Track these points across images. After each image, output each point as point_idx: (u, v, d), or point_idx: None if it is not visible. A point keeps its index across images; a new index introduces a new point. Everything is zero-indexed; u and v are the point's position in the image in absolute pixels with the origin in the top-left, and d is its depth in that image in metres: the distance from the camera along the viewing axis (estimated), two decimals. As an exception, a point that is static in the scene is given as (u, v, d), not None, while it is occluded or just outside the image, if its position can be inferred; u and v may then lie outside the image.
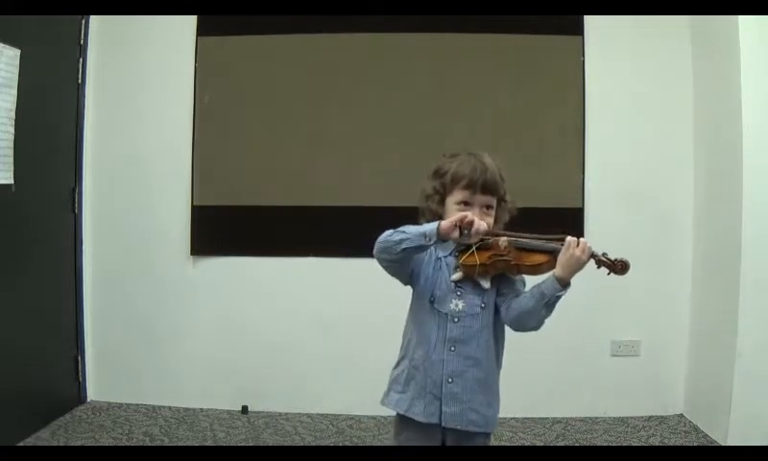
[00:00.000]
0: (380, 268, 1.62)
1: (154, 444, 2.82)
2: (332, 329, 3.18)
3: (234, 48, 3.21)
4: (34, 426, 2.82)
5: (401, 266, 1.62)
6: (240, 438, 2.91)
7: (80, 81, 3.16)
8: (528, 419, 3.11)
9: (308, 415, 3.16)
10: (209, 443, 2.85)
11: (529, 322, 1.59)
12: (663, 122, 3.18)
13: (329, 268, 3.17)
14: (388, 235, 1.57)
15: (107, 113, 3.26)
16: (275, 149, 3.20)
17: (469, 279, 1.61)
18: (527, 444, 2.88)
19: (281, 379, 3.22)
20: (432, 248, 1.63)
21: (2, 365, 2.61)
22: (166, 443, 2.83)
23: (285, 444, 2.86)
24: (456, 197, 1.62)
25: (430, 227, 1.53)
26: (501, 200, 1.67)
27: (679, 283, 3.17)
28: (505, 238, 1.58)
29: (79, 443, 2.76)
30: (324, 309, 3.19)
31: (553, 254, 1.55)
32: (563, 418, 3.13)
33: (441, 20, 3.06)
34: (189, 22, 3.19)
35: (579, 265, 1.53)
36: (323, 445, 2.86)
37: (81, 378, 3.21)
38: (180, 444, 2.82)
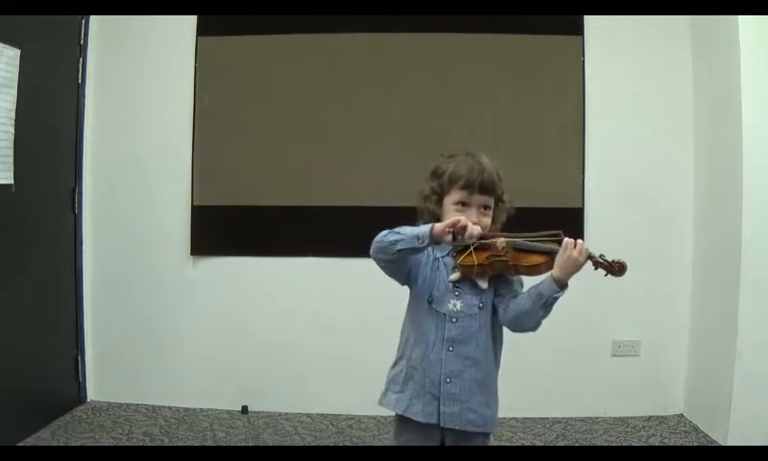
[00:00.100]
0: (379, 268, 1.62)
1: (154, 444, 2.82)
2: (332, 329, 3.18)
3: (234, 48, 3.21)
4: (34, 426, 2.82)
5: (398, 266, 1.62)
6: (240, 438, 2.91)
7: (80, 81, 3.16)
8: (528, 419, 3.11)
9: (308, 415, 3.16)
10: (209, 443, 2.85)
11: (527, 323, 1.59)
12: (663, 122, 3.18)
13: (329, 268, 3.17)
14: (383, 236, 1.57)
15: (107, 113, 3.26)
16: (275, 149, 3.20)
17: (467, 280, 1.62)
18: (527, 444, 2.88)
19: (281, 379, 3.22)
20: (430, 248, 1.63)
21: (2, 365, 2.61)
22: (166, 443, 2.83)
23: (285, 444, 2.86)
24: (454, 197, 1.62)
25: (424, 229, 1.53)
26: (499, 200, 1.67)
27: (679, 283, 3.17)
28: (503, 239, 1.58)
29: (79, 443, 2.76)
30: (324, 309, 3.19)
31: (551, 254, 1.56)
32: (563, 418, 3.13)
33: (441, 20, 3.06)
34: (189, 22, 3.19)
35: (576, 266, 1.53)
36: (323, 445, 2.86)
37: (81, 378, 3.21)
38: (180, 444, 2.82)
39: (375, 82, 3.18)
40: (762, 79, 2.69)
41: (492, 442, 2.83)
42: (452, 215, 1.56)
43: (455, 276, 1.62)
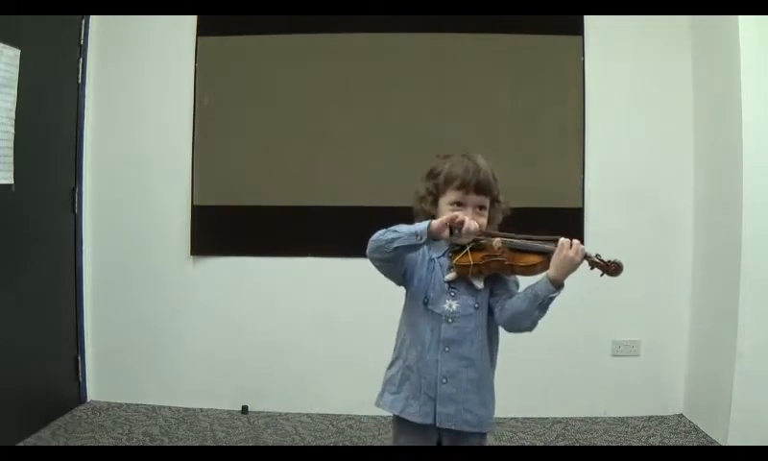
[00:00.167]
0: (375, 267, 1.62)
1: (154, 444, 2.82)
2: (332, 329, 3.18)
3: (234, 48, 3.21)
4: (34, 426, 2.82)
5: (394, 265, 1.62)
6: (240, 438, 2.91)
7: (80, 81, 3.16)
8: (528, 419, 3.11)
9: (308, 415, 3.16)
10: (209, 443, 2.85)
11: (523, 323, 1.59)
12: (663, 122, 3.17)
13: (329, 268, 3.17)
14: (380, 234, 1.57)
15: (107, 113, 3.26)
16: (275, 149, 3.20)
17: (463, 280, 1.62)
18: (527, 444, 2.88)
19: (281, 379, 3.22)
20: (425, 249, 1.63)
21: (2, 365, 2.61)
22: (166, 443, 2.83)
23: (285, 444, 2.86)
24: (449, 197, 1.63)
25: (421, 226, 1.53)
26: (494, 200, 1.67)
27: (679, 283, 3.17)
28: (499, 239, 1.59)
29: (79, 443, 2.76)
30: (324, 309, 3.19)
31: (546, 255, 1.56)
32: (563, 418, 3.13)
33: (441, 20, 3.06)
34: (189, 22, 3.19)
35: (572, 266, 1.53)
36: (323, 445, 2.86)
37: (81, 378, 3.21)
38: (180, 444, 2.82)
39: (375, 82, 3.18)
40: (762, 79, 2.69)
41: (492, 442, 2.85)
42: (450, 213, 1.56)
43: (451, 276, 1.62)
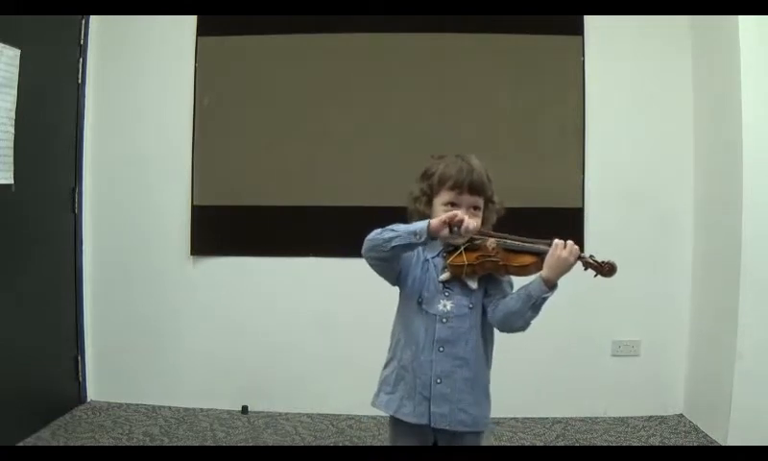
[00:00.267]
0: (370, 266, 1.63)
1: (154, 444, 2.82)
2: (332, 329, 3.18)
3: (234, 48, 3.21)
4: (34, 426, 2.82)
5: (390, 265, 1.62)
6: (240, 438, 2.91)
7: (80, 81, 3.16)
8: (528, 419, 3.11)
9: (308, 415, 3.16)
10: (209, 443, 2.85)
11: (516, 322, 1.59)
12: (663, 122, 3.17)
13: (329, 268, 3.17)
14: (377, 233, 1.58)
15: (107, 113, 3.26)
16: (275, 149, 3.20)
17: (457, 280, 1.62)
18: (527, 444, 2.88)
19: (281, 379, 3.22)
20: (420, 249, 1.64)
21: (2, 365, 2.61)
22: (166, 443, 2.83)
23: (285, 444, 2.86)
24: (443, 198, 1.63)
25: (420, 224, 1.54)
26: (488, 201, 1.67)
27: (679, 283, 3.17)
28: (493, 239, 1.59)
29: (79, 443, 2.76)
30: (324, 309, 3.19)
31: (541, 255, 1.56)
32: (563, 418, 3.13)
33: (441, 20, 3.06)
34: (189, 22, 3.19)
35: (566, 267, 1.53)
36: (323, 445, 2.86)
37: (81, 378, 3.21)
38: (180, 444, 2.82)
39: (375, 82, 3.18)
40: (762, 79, 2.69)
41: (492, 442, 2.85)
42: (442, 216, 1.56)
43: (445, 276, 1.62)
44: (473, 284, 1.62)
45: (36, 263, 2.86)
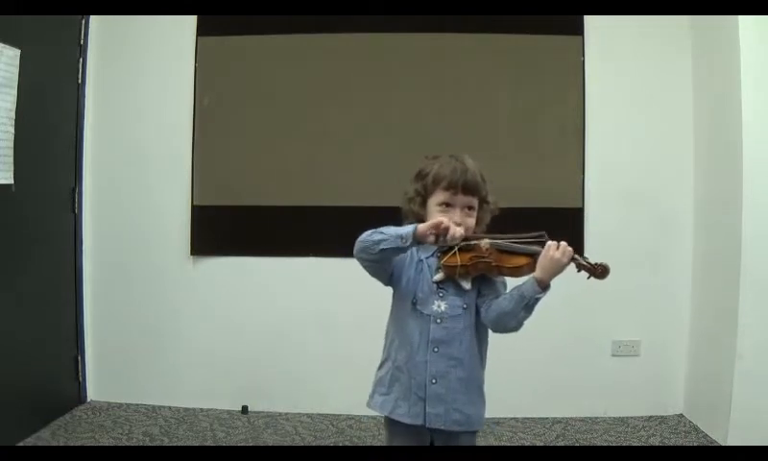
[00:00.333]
0: (362, 267, 1.63)
1: (154, 444, 2.82)
2: (332, 329, 3.18)
3: (234, 48, 3.21)
4: (34, 426, 2.82)
5: (380, 266, 1.63)
6: (240, 438, 2.91)
7: (80, 81, 3.16)
8: (528, 419, 3.11)
9: (308, 415, 3.16)
10: (209, 443, 2.85)
11: (509, 323, 1.59)
12: (663, 122, 3.17)
13: (329, 268, 3.16)
14: (367, 235, 1.58)
15: (107, 113, 3.26)
16: (275, 149, 3.19)
17: (451, 281, 1.62)
18: (527, 444, 2.88)
19: (282, 379, 3.22)
20: (414, 250, 1.64)
21: (2, 365, 2.61)
22: (166, 443, 2.83)
23: (285, 444, 2.86)
24: (437, 198, 1.63)
25: (407, 229, 1.54)
26: (483, 201, 1.67)
27: (679, 283, 3.17)
28: (487, 240, 1.59)
29: (79, 443, 2.76)
30: (325, 309, 3.19)
31: (534, 256, 1.56)
32: (563, 418, 3.13)
33: (441, 20, 3.06)
34: (189, 22, 3.19)
35: (559, 268, 1.53)
36: (323, 445, 2.86)
37: (81, 378, 3.21)
38: (180, 444, 2.82)
39: (375, 82, 3.18)
40: (762, 79, 2.69)
41: (492, 442, 2.85)
42: (436, 216, 1.57)
43: (438, 276, 1.63)
44: (467, 285, 1.62)
45: (36, 263, 2.86)
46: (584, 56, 3.15)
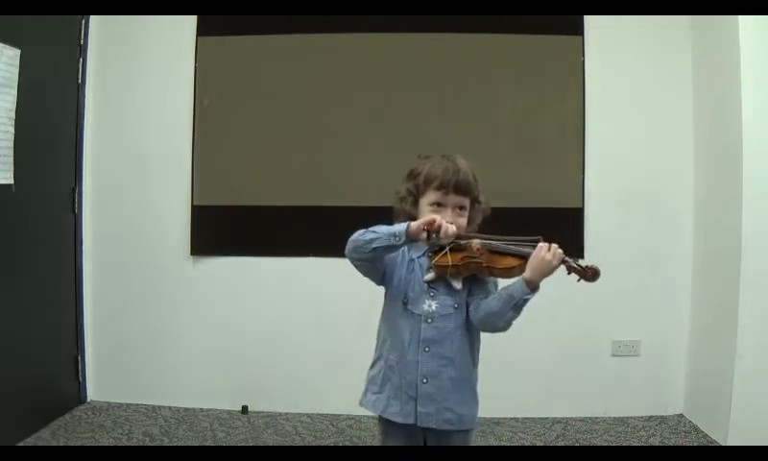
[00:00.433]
0: (354, 267, 1.63)
1: (154, 444, 2.82)
2: (333, 329, 3.18)
3: (234, 48, 3.21)
4: (34, 426, 2.82)
5: (372, 265, 1.63)
6: (240, 438, 2.91)
7: (80, 81, 3.16)
8: (528, 419, 3.11)
9: (308, 415, 3.16)
10: (209, 443, 2.85)
11: (497, 323, 1.59)
12: (663, 122, 3.17)
13: (329, 268, 3.14)
14: (359, 234, 1.58)
15: (107, 113, 3.26)
16: (275, 149, 3.19)
17: (442, 280, 1.62)
18: (527, 444, 2.88)
19: (282, 379, 3.22)
20: (405, 249, 1.64)
21: (2, 365, 2.61)
22: (166, 443, 2.83)
23: (285, 444, 2.86)
24: (429, 198, 1.63)
25: (400, 227, 1.54)
26: (475, 201, 1.67)
27: (679, 283, 3.17)
28: (478, 240, 1.59)
29: (79, 443, 2.76)
30: (325, 309, 3.19)
31: (525, 258, 1.56)
32: (563, 418, 3.13)
33: (441, 20, 3.06)
34: (189, 22, 3.19)
35: (549, 269, 1.53)
36: (323, 445, 2.86)
37: (81, 378, 3.21)
38: (180, 444, 2.82)
39: (375, 82, 3.18)
40: (762, 79, 2.69)
41: (492, 442, 2.85)
42: (426, 216, 1.57)
43: (430, 276, 1.63)
44: (458, 285, 1.62)
45: (36, 263, 2.86)
46: (584, 56, 3.15)
